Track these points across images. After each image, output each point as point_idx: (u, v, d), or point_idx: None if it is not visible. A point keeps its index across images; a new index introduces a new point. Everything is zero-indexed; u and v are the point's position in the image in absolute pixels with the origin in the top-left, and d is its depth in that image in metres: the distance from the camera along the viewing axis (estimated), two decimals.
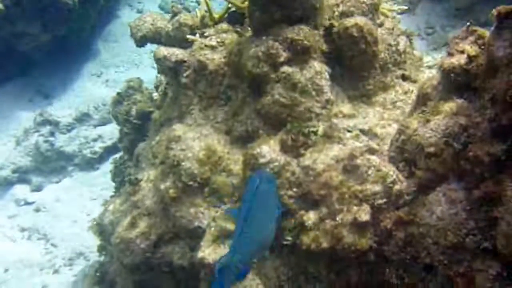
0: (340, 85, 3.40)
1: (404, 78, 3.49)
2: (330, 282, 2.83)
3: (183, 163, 3.19)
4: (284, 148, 2.98)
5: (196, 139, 3.28)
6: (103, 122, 9.12)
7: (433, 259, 2.50)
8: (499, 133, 2.35)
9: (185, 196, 3.20)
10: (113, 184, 5.10)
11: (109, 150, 8.32)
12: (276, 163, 2.89)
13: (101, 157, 8.76)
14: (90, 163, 8.84)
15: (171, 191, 3.20)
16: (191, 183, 3.15)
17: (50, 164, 8.77)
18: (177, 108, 3.75)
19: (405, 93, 3.41)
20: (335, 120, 3.06)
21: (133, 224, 3.38)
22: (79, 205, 8.00)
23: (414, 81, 3.53)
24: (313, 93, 3.18)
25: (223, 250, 2.92)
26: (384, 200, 2.69)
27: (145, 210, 3.43)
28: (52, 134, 8.96)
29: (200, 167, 3.18)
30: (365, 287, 2.79)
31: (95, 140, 9.04)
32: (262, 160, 2.90)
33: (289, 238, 2.88)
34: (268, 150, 2.92)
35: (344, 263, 2.76)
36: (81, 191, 8.02)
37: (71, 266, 6.85)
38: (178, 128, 3.35)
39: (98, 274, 4.28)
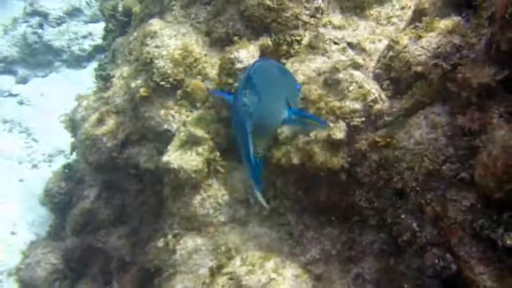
0: None
1: None
2: (297, 199, 2.72)
3: (156, 61, 2.98)
4: (264, 53, 2.77)
5: (173, 37, 3.05)
6: (95, 19, 8.82)
7: (405, 184, 2.37)
8: (493, 57, 2.14)
9: (156, 96, 3.02)
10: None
11: (99, 49, 8.07)
12: None
13: (90, 55, 8.54)
14: (78, 60, 8.63)
15: (142, 89, 3.02)
16: (163, 83, 2.96)
17: (37, 57, 8.56)
18: (159, 3, 3.49)
19: (402, 8, 3.16)
20: (322, 30, 2.83)
21: (100, 121, 3.22)
22: (64, 102, 7.85)
23: None
24: None
25: (189, 156, 2.78)
26: (363, 119, 2.51)
27: (114, 107, 3.26)
28: (41, 26, 8.68)
29: (174, 67, 2.97)
30: (333, 207, 2.67)
31: (84, 37, 8.79)
32: (238, 65, 2.70)
33: (260, 151, 2.73)
34: (247, 55, 2.72)
35: (314, 181, 2.63)
36: (67, 87, 7.84)
37: (51, 162, 6.79)
38: (155, 23, 3.12)
39: (66, 171, 4.17)
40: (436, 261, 2.26)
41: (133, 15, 3.85)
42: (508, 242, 2.06)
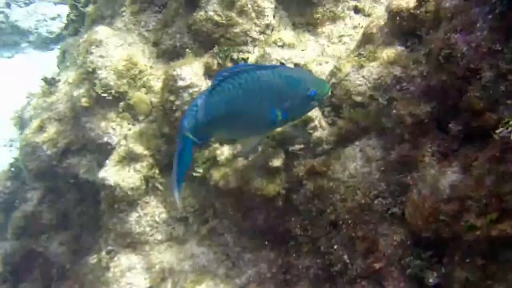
0: (286, 9, 3.08)
1: (357, 10, 3.17)
2: (235, 221, 2.69)
3: (99, 72, 2.90)
4: (209, 72, 2.72)
5: (118, 47, 2.97)
6: (65, 1, 8.64)
7: (338, 216, 2.35)
8: (429, 93, 2.12)
9: (98, 107, 2.94)
10: None
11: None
12: (196, 89, 2.64)
13: (58, 38, 8.36)
14: (46, 43, 8.47)
15: (83, 99, 2.94)
16: (104, 95, 2.88)
17: (3, 37, 8.38)
18: (111, 6, 3.39)
19: (355, 27, 3.11)
20: (269, 50, 2.77)
21: (41, 128, 3.13)
22: (29, 84, 7.70)
23: (368, 15, 3.22)
24: (253, 14, 2.87)
25: (127, 172, 2.72)
26: (302, 146, 2.48)
27: (56, 114, 3.17)
28: (8, 5, 8.50)
29: (117, 79, 2.90)
30: (271, 231, 2.65)
31: (53, 18, 8.64)
32: (180, 83, 2.64)
33: (200, 171, 2.69)
34: (189, 72, 2.66)
35: (252, 205, 2.60)
36: (32, 70, 7.67)
37: (11, 147, 6.66)
38: (101, 31, 3.03)
39: (12, 169, 4.07)
40: None
41: (86, 15, 3.74)
42: (430, 280, 2.07)
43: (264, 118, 2.18)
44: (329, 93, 2.25)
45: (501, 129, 1.68)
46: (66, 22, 4.94)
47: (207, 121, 2.14)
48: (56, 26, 8.51)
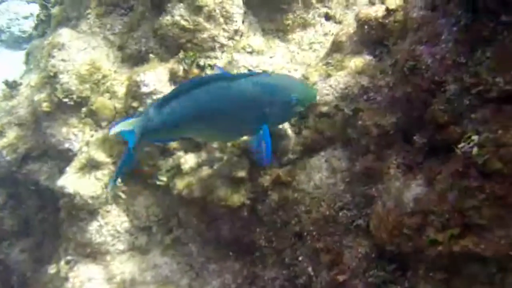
0: (256, 15, 3.03)
1: (328, 17, 3.14)
2: (199, 231, 2.62)
3: (60, 76, 2.81)
4: (174, 78, 2.65)
5: (81, 51, 2.88)
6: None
7: (303, 228, 2.30)
8: (394, 104, 2.09)
9: (59, 112, 2.85)
10: None
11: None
12: (160, 95, 2.57)
13: (31, 37, 8.21)
14: (18, 42, 8.31)
15: (44, 104, 2.84)
16: (66, 100, 2.79)
17: None
18: (77, 8, 3.30)
19: (325, 34, 3.08)
20: (237, 56, 2.72)
21: (1, 133, 3.03)
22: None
23: (339, 22, 3.19)
24: (221, 20, 2.81)
25: (87, 180, 2.64)
26: None
27: (17, 119, 3.07)
28: None
29: (80, 84, 2.82)
30: (236, 241, 2.59)
31: (26, 17, 8.47)
32: (144, 89, 2.58)
33: (164, 179, 2.63)
34: (153, 78, 2.59)
35: (216, 214, 2.54)
36: (4, 69, 7.52)
37: None
38: (64, 34, 2.94)
39: None
40: None
41: (52, 16, 3.64)
42: None
43: (241, 126, 2.21)
44: (315, 99, 2.27)
45: (463, 144, 1.65)
46: (36, 22, 4.83)
47: (162, 125, 2.13)
48: (29, 25, 8.34)
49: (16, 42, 8.32)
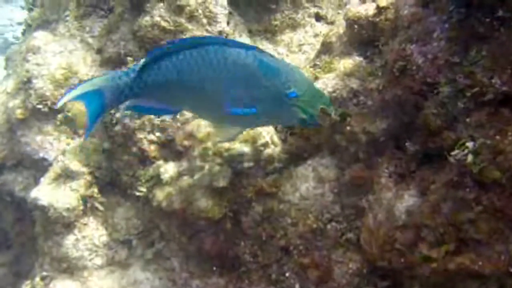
0: (243, 16, 2.88)
1: (319, 17, 2.99)
2: (182, 245, 2.47)
3: (34, 81, 2.67)
4: None
5: (57, 54, 2.74)
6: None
7: (289, 242, 2.15)
8: (384, 108, 1.94)
9: (34, 119, 2.70)
10: None
11: None
12: None
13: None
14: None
15: (18, 111, 2.70)
16: (40, 106, 2.65)
17: None
18: (56, 10, 3.16)
19: (316, 35, 2.93)
20: None
21: None
22: None
23: (331, 23, 3.04)
24: (204, 20, 2.66)
25: (62, 191, 2.49)
26: (251, 164, 2.27)
27: None
28: None
29: (55, 89, 2.67)
30: (219, 256, 2.43)
31: (20, 23, 8.37)
32: None
33: (143, 190, 2.48)
34: None
35: (198, 227, 2.39)
36: None
37: None
38: (40, 37, 2.80)
39: None
40: None
41: (31, 20, 3.50)
42: None
43: (219, 104, 1.80)
44: (323, 104, 1.82)
45: (457, 151, 1.50)
46: (24, 27, 4.69)
47: (142, 85, 1.75)
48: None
49: (9, 48, 8.21)
